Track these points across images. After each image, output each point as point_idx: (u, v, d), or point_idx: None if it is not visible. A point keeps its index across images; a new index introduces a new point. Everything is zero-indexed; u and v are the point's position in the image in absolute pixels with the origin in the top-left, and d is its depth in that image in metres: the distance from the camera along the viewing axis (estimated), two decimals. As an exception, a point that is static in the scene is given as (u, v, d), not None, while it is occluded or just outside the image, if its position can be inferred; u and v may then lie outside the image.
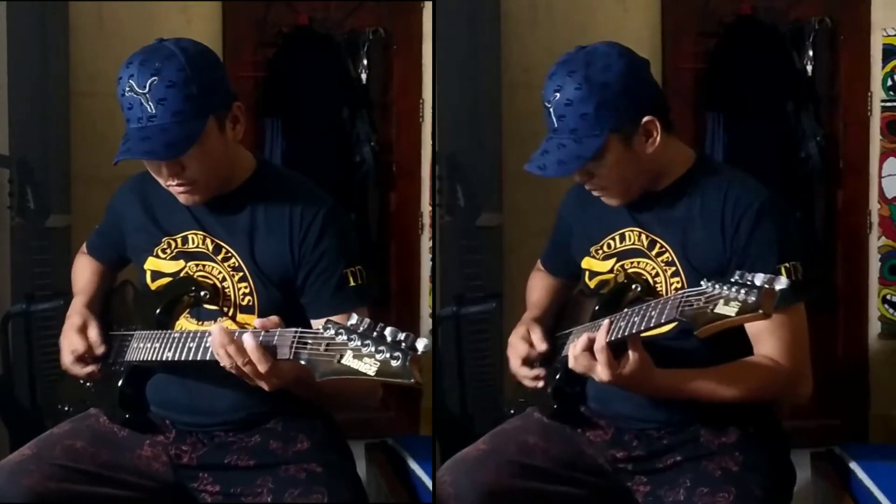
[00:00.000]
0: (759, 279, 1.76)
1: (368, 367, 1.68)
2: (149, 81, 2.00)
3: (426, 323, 3.46)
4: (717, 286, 1.80)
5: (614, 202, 2.15)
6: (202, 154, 2.05)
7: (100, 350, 2.22)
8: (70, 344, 2.24)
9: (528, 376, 2.26)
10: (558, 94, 2.05)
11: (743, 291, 1.76)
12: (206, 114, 2.04)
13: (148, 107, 2.00)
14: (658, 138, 2.09)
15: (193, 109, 2.02)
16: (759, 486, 2.10)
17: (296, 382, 1.96)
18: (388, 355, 1.67)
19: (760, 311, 1.75)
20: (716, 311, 1.79)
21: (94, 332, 2.23)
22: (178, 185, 2.08)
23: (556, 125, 2.06)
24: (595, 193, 2.15)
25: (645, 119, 2.08)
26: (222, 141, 2.08)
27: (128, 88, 2.02)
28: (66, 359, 2.25)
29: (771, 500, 2.12)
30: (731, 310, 1.77)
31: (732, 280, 1.79)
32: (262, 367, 1.88)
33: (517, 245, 3.32)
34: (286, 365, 1.89)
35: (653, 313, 1.93)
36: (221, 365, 1.94)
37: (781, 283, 1.76)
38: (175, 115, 2.00)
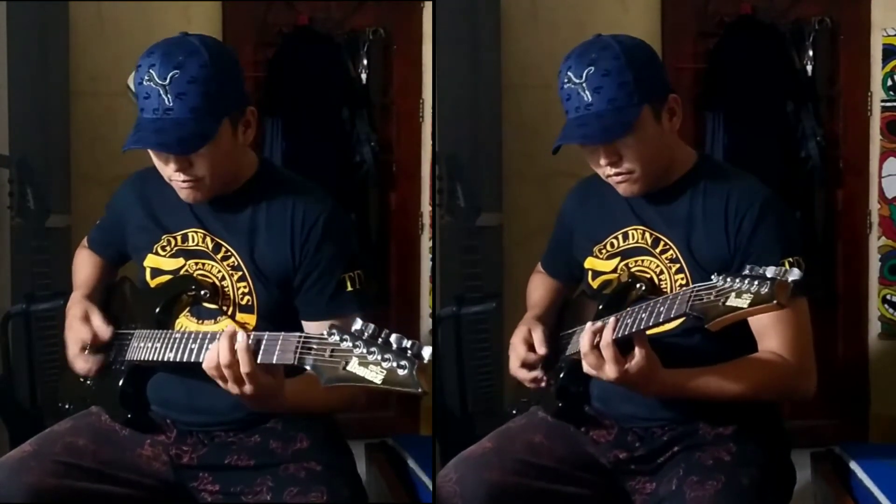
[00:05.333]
0: (770, 271, 1.78)
1: (374, 374, 1.66)
2: (170, 74, 2.00)
3: (426, 323, 3.46)
4: (727, 280, 1.82)
5: (635, 188, 2.15)
6: (212, 154, 2.04)
7: (107, 334, 2.19)
8: (75, 334, 2.22)
9: (526, 378, 2.27)
10: (592, 68, 2.06)
11: (756, 283, 1.77)
12: (222, 114, 2.04)
13: (166, 99, 2.00)
14: (680, 118, 2.13)
15: (210, 108, 2.02)
16: (748, 477, 2.10)
17: (272, 399, 1.94)
18: (394, 364, 1.64)
19: (775, 302, 1.75)
20: (727, 303, 1.80)
21: (97, 319, 2.21)
22: (183, 180, 2.07)
23: (589, 99, 2.06)
24: (617, 179, 2.14)
25: (671, 96, 2.12)
26: (233, 143, 2.08)
27: (147, 78, 2.02)
28: (73, 350, 2.22)
29: (761, 492, 2.11)
30: (743, 302, 1.78)
31: (743, 274, 1.80)
32: (244, 368, 1.86)
33: (517, 245, 3.32)
34: (266, 378, 1.88)
35: (661, 309, 1.94)
36: (204, 365, 1.92)
37: (794, 274, 1.77)
38: (192, 111, 2.00)
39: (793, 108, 3.38)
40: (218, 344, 1.90)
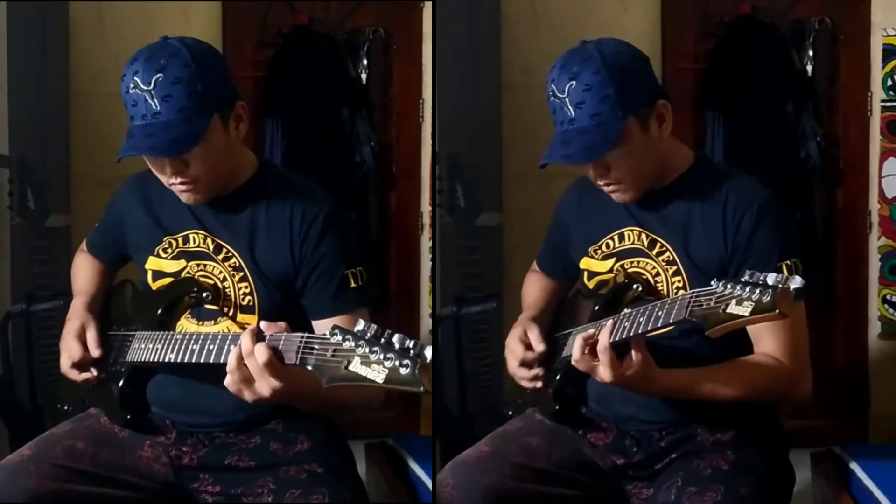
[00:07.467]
0: (771, 279, 1.75)
1: (377, 374, 1.67)
2: (154, 78, 2.00)
3: (426, 323, 3.46)
4: (727, 286, 1.79)
5: (627, 196, 2.14)
6: (206, 152, 2.04)
7: (96, 354, 2.20)
8: (67, 349, 2.23)
9: (526, 377, 2.26)
10: (574, 82, 2.04)
11: (757, 291, 1.74)
12: (210, 111, 2.04)
13: (153, 103, 2.00)
14: (670, 124, 2.10)
15: (198, 107, 2.01)
16: (747, 486, 2.09)
17: (292, 396, 1.94)
18: (396, 363, 1.65)
19: (777, 311, 1.73)
20: (728, 311, 1.77)
21: (91, 336, 2.22)
22: (181, 183, 2.07)
23: (572, 115, 2.04)
24: (608, 189, 2.13)
25: (659, 102, 2.09)
26: (226, 140, 2.08)
27: (132, 85, 2.01)
28: (64, 364, 2.24)
29: (759, 500, 2.11)
30: (744, 310, 1.75)
31: (743, 280, 1.78)
32: (267, 372, 1.84)
33: (517, 245, 3.32)
34: (289, 372, 1.86)
35: (660, 313, 1.92)
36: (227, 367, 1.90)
37: (796, 282, 1.75)
38: (180, 111, 2.00)
39: (793, 108, 3.38)
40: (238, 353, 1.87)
